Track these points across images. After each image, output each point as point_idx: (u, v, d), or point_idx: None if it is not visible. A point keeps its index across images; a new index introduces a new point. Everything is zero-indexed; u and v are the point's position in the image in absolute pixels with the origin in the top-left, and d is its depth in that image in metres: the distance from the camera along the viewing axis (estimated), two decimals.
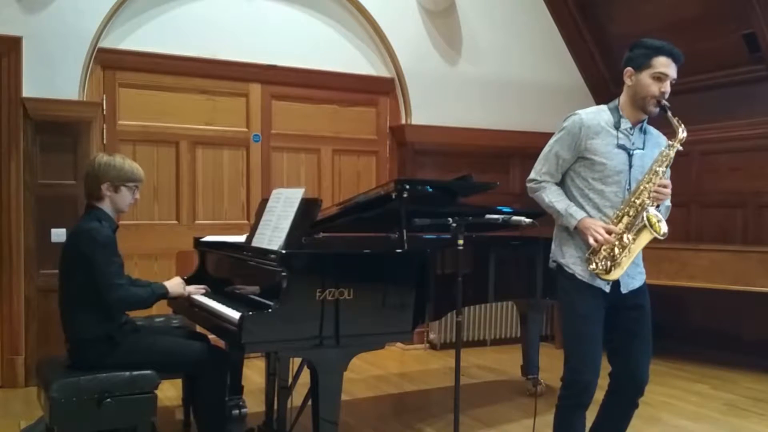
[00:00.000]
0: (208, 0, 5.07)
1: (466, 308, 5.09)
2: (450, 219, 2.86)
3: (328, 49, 5.49)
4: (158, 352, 2.97)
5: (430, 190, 3.38)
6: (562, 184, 2.70)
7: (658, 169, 2.52)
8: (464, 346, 4.34)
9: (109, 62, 4.81)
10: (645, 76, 2.55)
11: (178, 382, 3.87)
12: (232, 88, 5.24)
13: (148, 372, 2.85)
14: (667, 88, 2.54)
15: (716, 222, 5.63)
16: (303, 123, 5.51)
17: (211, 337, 3.11)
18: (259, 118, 5.36)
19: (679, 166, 5.72)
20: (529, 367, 4.42)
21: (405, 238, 3.11)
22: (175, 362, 3.02)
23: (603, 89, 6.29)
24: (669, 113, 2.54)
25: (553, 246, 2.73)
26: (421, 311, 3.01)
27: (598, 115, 2.63)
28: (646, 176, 2.53)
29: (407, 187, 3.12)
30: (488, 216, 3.08)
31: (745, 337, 5.41)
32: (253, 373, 4.56)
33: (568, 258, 2.63)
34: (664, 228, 2.50)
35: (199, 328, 3.39)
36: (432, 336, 5.79)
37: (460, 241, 2.87)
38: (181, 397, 3.81)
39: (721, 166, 5.60)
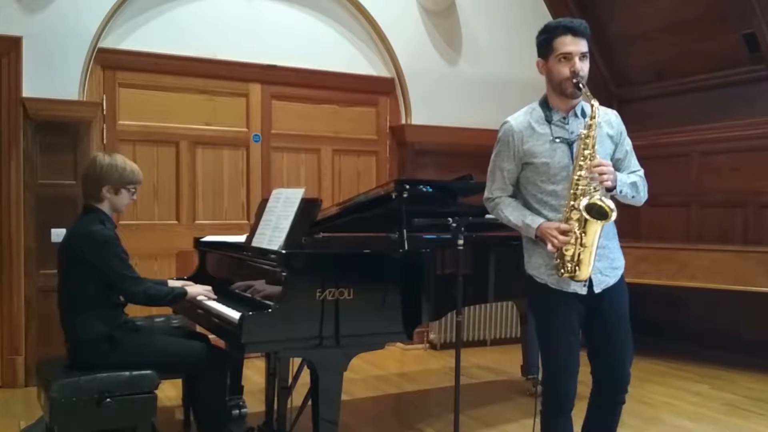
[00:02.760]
0: (208, 0, 5.08)
1: (466, 308, 5.08)
2: (450, 219, 2.86)
3: (328, 49, 5.50)
4: (158, 352, 2.97)
5: (430, 190, 3.38)
6: (516, 195, 2.62)
7: (585, 152, 2.37)
8: (464, 346, 4.33)
9: (109, 62, 4.81)
10: (553, 62, 2.46)
11: (178, 382, 3.87)
12: (232, 88, 5.24)
13: (148, 372, 2.85)
14: (577, 65, 2.41)
15: (716, 222, 5.62)
16: (303, 123, 5.51)
17: (211, 337, 3.11)
18: (259, 118, 5.36)
19: (679, 166, 5.83)
20: (529, 367, 4.42)
21: (405, 238, 3.11)
22: (175, 362, 3.02)
23: (603, 89, 6.28)
24: (583, 89, 2.42)
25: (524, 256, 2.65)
26: (421, 311, 3.00)
27: (527, 115, 2.55)
28: (575, 165, 2.38)
29: (407, 187, 3.11)
30: (488, 216, 3.08)
31: (745, 337, 5.40)
32: (253, 373, 4.56)
33: (537, 267, 2.56)
34: (607, 206, 2.32)
35: (199, 328, 3.39)
36: (432, 336, 5.79)
37: (460, 241, 2.87)
38: (181, 397, 3.81)
39: (721, 166, 5.58)
